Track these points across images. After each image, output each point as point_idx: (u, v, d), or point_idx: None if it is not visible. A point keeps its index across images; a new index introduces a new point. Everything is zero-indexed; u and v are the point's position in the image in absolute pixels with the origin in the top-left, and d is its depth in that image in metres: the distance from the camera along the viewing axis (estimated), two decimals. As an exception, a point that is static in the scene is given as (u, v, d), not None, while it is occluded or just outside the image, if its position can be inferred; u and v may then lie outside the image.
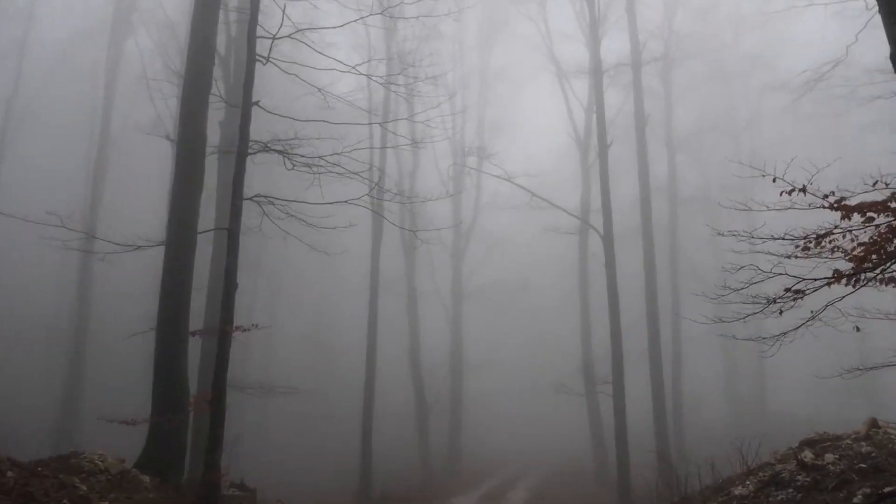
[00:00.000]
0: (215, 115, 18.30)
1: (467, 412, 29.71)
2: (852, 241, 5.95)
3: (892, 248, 5.76)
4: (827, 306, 6.19)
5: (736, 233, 6.25)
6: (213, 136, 17.01)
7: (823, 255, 6.04)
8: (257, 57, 9.77)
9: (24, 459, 8.82)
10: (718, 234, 6.67)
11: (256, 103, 9.58)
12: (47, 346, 27.41)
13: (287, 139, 10.04)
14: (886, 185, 5.83)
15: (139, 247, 9.97)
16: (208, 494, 8.52)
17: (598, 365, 24.77)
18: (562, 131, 28.70)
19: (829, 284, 5.85)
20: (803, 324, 6.31)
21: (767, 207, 6.01)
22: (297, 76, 10.65)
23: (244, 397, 20.52)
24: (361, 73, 11.16)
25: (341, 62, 10.54)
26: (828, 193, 5.79)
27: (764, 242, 6.03)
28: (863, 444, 7.54)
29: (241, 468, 18.62)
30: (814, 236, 5.89)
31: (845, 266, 5.92)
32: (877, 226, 5.88)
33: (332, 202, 10.35)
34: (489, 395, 35.84)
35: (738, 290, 6.20)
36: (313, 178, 10.89)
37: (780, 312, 6.23)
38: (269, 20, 11.63)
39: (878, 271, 6.02)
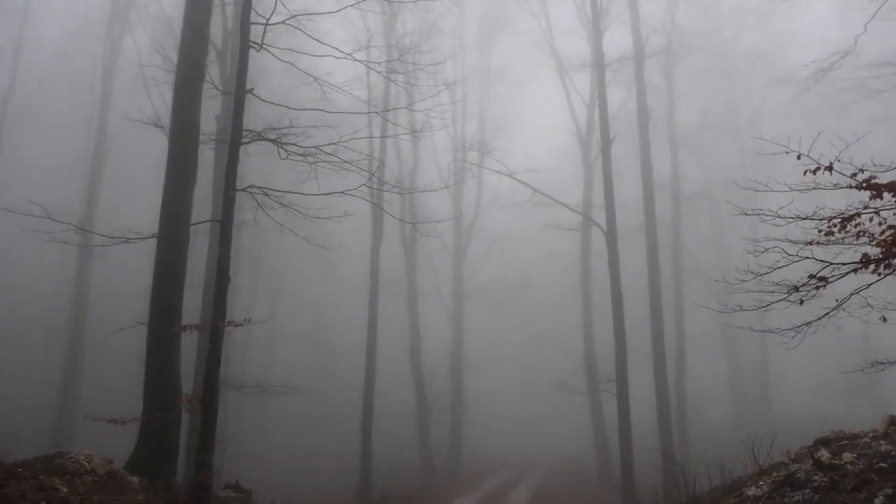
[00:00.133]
0: (212, 110, 18.07)
1: (468, 411, 29.45)
2: (880, 224, 5.59)
3: None
4: (852, 295, 5.84)
5: (761, 211, 5.88)
6: (209, 131, 16.76)
7: (847, 241, 5.69)
8: (251, 43, 9.47)
9: (23, 459, 8.53)
10: (742, 213, 6.29)
11: (250, 91, 9.28)
12: (47, 345, 27.25)
13: (281, 128, 9.72)
14: None
15: (128, 239, 9.63)
16: (199, 496, 8.22)
17: (600, 363, 24.49)
18: (563, 129, 28.47)
19: (855, 271, 5.50)
20: (827, 313, 5.96)
21: (790, 188, 5.67)
22: (293, 65, 10.34)
23: (244, 397, 20.28)
24: (358, 60, 10.85)
25: (338, 49, 10.22)
26: (856, 171, 5.43)
27: (788, 224, 5.68)
28: (882, 442, 7.20)
29: (240, 468, 18.41)
30: (838, 219, 5.52)
31: (872, 252, 5.55)
32: None
33: (328, 193, 10.03)
34: (490, 395, 35.60)
35: (762, 274, 5.85)
36: (310, 171, 10.59)
37: (801, 302, 5.90)
38: (267, 10, 11.33)
39: None
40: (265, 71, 19.82)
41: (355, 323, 24.88)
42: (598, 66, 21.43)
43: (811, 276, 5.73)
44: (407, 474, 23.27)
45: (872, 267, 5.54)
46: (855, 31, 14.32)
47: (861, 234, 5.63)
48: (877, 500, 6.05)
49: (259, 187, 9.55)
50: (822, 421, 18.64)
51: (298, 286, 33.79)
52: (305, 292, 34.66)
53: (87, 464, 7.86)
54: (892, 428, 7.59)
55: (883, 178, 5.39)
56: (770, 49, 32.00)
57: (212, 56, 18.47)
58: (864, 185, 5.45)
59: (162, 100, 20.90)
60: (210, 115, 17.19)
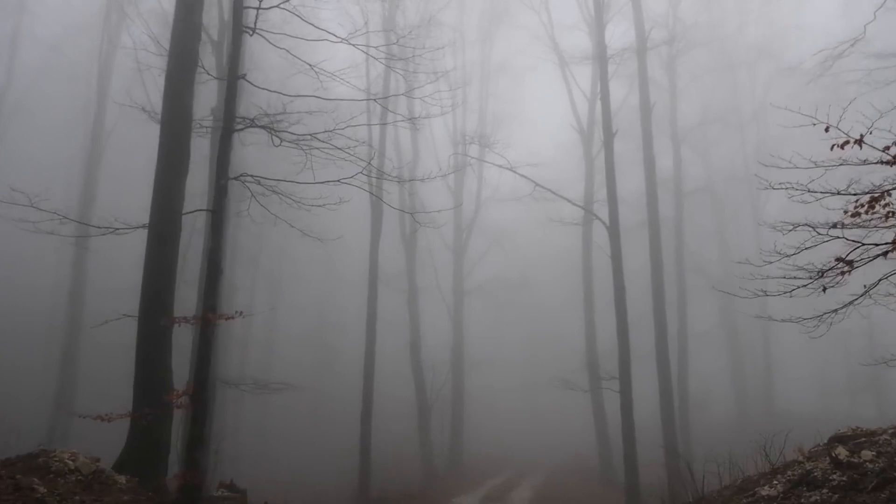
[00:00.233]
0: (208, 103, 17.77)
1: (469, 409, 29.17)
2: (909, 204, 5.24)
3: None
4: (880, 281, 5.50)
5: (789, 184, 5.52)
6: (205, 123, 16.45)
7: (873, 224, 5.34)
8: (244, 28, 9.15)
9: (5, 458, 8.22)
10: (770, 186, 5.91)
11: (243, 76, 8.96)
12: (46, 341, 27.05)
13: (274, 114, 9.38)
14: None
15: (117, 230, 9.31)
16: (189, 495, 7.91)
17: (602, 360, 24.21)
18: (564, 125, 28.19)
19: (885, 253, 5.15)
20: (855, 299, 5.60)
21: (815, 164, 5.33)
22: (288, 51, 10.01)
23: (242, 395, 20.01)
24: (355, 45, 10.49)
25: (334, 34, 9.87)
26: (889, 145, 5.07)
27: (817, 200, 5.34)
28: (902, 439, 6.89)
29: (238, 467, 18.11)
30: (867, 198, 5.17)
31: (897, 235, 5.21)
32: None
33: (323, 181, 9.68)
34: (491, 392, 35.34)
35: (790, 255, 5.50)
36: (306, 160, 10.26)
37: (824, 289, 5.55)
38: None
39: None
40: (262, 62, 19.51)
41: (355, 320, 24.63)
42: (601, 58, 21.08)
43: (838, 259, 5.36)
44: (407, 473, 23.00)
45: (905, 249, 5.19)
46: (858, 25, 14.04)
47: (891, 214, 5.28)
48: (900, 500, 5.74)
49: (252, 176, 9.21)
50: (827, 419, 18.34)
51: (298, 284, 33.58)
52: (305, 290, 34.47)
53: (71, 462, 7.53)
54: (912, 424, 7.27)
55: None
56: (773, 44, 31.72)
57: (209, 48, 18.19)
58: (897, 159, 5.09)
59: (158, 93, 20.58)
60: (206, 108, 16.90)
